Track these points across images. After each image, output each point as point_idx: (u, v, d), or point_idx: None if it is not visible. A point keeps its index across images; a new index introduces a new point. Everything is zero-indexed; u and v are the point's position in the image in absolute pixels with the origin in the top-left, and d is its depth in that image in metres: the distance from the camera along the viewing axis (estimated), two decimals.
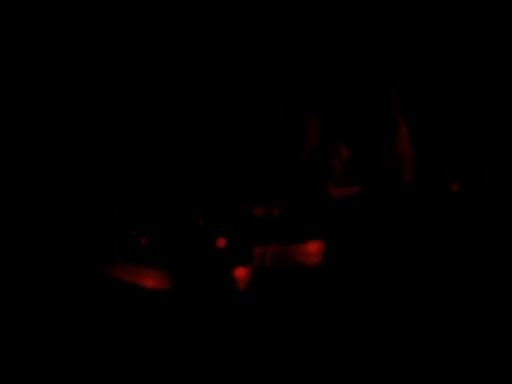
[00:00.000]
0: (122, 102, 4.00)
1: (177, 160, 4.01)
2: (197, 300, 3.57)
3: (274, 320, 3.48)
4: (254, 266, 3.64)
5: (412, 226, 3.66)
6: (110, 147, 3.98)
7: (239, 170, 3.94)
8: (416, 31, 3.96)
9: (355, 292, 3.52)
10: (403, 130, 3.84)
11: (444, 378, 3.14)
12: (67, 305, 3.52)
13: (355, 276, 3.57)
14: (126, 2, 3.98)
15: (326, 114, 3.89)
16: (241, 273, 3.62)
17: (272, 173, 3.91)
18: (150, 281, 3.61)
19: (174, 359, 3.36)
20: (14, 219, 3.75)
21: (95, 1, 3.97)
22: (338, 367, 3.28)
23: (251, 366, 3.32)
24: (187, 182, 3.99)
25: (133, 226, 3.83)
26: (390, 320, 3.40)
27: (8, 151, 3.87)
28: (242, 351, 3.38)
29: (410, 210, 3.72)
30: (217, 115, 4.05)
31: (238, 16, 4.00)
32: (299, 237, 3.70)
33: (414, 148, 3.86)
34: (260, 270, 3.64)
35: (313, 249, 3.65)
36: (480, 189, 3.77)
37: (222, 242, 3.73)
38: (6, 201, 3.79)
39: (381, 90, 3.87)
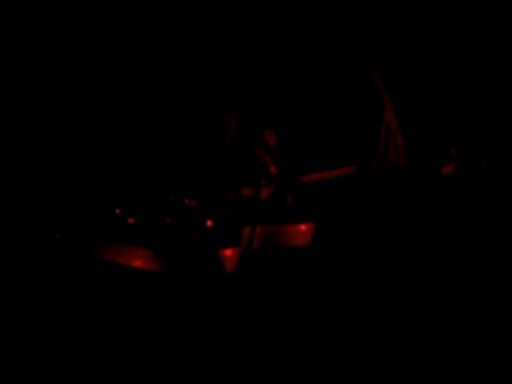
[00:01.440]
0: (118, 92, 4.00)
1: (165, 142, 4.00)
2: (185, 280, 3.55)
3: (263, 302, 3.47)
4: (242, 247, 3.63)
5: (401, 208, 3.65)
6: (100, 133, 3.98)
7: (226, 153, 3.93)
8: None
9: (344, 273, 3.51)
10: (390, 114, 3.84)
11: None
12: (59, 290, 3.51)
13: (344, 257, 3.56)
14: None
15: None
16: (229, 253, 3.60)
17: (259, 155, 3.89)
18: (138, 261, 3.59)
19: (165, 343, 3.36)
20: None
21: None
22: (327, 355, 3.28)
23: (240, 352, 3.32)
24: (175, 163, 3.97)
25: (120, 206, 3.81)
26: (379, 303, 3.40)
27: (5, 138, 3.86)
28: (231, 335, 3.38)
29: (400, 193, 3.72)
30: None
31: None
32: (288, 217, 3.69)
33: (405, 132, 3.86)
34: (248, 250, 3.63)
35: (302, 229, 3.64)
36: (474, 174, 3.76)
37: (209, 223, 3.71)
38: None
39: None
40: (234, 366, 3.30)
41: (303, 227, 3.64)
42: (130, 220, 3.77)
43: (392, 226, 3.61)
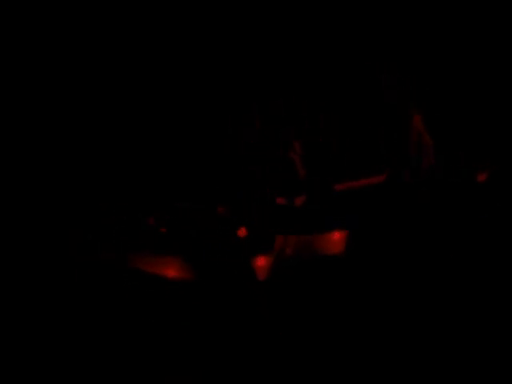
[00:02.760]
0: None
1: (197, 150, 4.02)
2: (218, 289, 3.55)
3: (292, 311, 3.45)
4: (275, 256, 3.62)
5: (433, 216, 3.63)
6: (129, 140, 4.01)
7: (261, 161, 3.94)
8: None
9: (375, 282, 3.49)
10: (417, 120, 3.83)
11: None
12: (87, 297, 3.54)
13: (376, 266, 3.53)
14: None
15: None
16: (261, 262, 3.59)
17: (294, 164, 3.90)
18: (171, 270, 3.61)
19: (195, 350, 3.35)
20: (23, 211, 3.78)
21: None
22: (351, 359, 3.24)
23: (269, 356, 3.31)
24: (208, 171, 3.99)
25: (152, 216, 3.83)
26: (409, 309, 3.37)
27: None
28: (262, 341, 3.36)
29: (432, 200, 3.69)
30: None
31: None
32: (321, 226, 3.68)
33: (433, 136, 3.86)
34: (281, 259, 3.62)
35: (335, 238, 3.62)
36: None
37: (242, 231, 3.71)
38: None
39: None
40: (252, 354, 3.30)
41: (336, 235, 3.63)
42: (163, 229, 3.79)
43: (422, 233, 3.58)
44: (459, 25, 3.98)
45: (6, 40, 3.90)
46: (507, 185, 3.69)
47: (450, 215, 3.60)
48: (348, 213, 3.72)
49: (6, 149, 3.84)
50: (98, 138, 3.95)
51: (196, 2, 4.02)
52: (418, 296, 3.36)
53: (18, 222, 3.75)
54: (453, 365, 3.06)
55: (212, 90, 4.02)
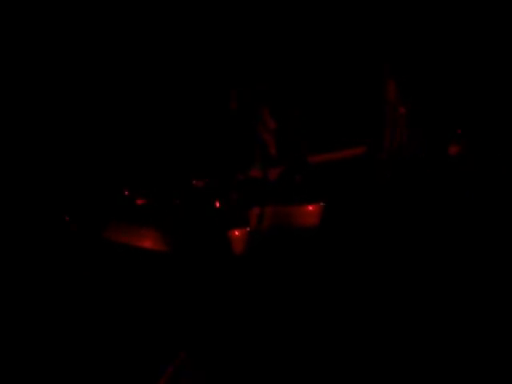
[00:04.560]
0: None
1: (173, 124, 4.00)
2: (194, 261, 3.57)
3: (268, 285, 3.48)
4: (251, 228, 3.64)
5: (408, 190, 3.66)
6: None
7: (236, 135, 3.93)
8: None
9: (353, 254, 3.52)
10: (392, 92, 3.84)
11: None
12: (68, 270, 3.52)
13: (352, 238, 3.57)
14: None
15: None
16: (237, 234, 3.61)
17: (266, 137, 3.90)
18: (148, 242, 3.61)
19: (173, 321, 3.37)
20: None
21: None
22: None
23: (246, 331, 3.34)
24: (182, 145, 3.97)
25: (129, 188, 3.82)
26: (386, 282, 3.41)
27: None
28: (237, 314, 3.40)
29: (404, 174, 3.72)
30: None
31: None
32: (296, 199, 3.70)
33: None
34: (257, 231, 3.64)
35: (310, 211, 3.65)
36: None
37: (217, 203, 3.72)
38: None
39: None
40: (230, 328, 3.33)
41: (311, 208, 3.65)
42: (139, 201, 3.78)
43: (398, 206, 3.61)
44: None
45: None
46: (481, 157, 3.74)
47: (424, 189, 3.65)
48: (324, 185, 3.75)
49: None
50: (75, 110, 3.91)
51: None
52: (393, 270, 3.42)
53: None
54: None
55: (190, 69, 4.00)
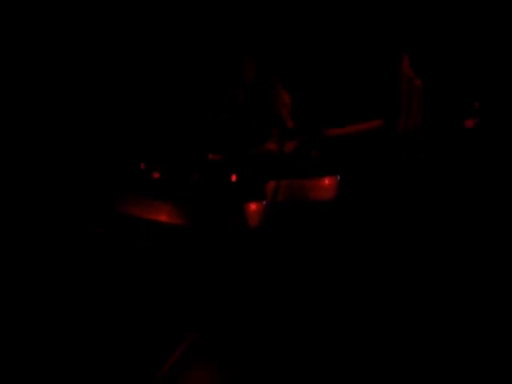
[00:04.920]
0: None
1: (186, 98, 4.00)
2: (210, 235, 3.57)
3: (282, 259, 3.48)
4: (267, 201, 3.64)
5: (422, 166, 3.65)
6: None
7: (251, 109, 3.92)
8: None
9: (364, 231, 3.52)
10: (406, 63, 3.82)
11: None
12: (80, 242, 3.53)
13: (366, 214, 3.56)
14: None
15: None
16: (253, 207, 3.62)
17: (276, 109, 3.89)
18: (163, 215, 3.61)
19: (187, 300, 3.38)
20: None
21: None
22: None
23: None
24: (196, 119, 3.97)
25: (145, 161, 3.82)
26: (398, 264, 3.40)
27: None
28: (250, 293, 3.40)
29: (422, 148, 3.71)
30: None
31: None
32: (312, 172, 3.70)
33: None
34: (273, 204, 3.64)
35: (326, 184, 3.64)
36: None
37: (234, 177, 3.72)
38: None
39: None
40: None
41: (327, 181, 3.65)
42: (155, 174, 3.78)
43: (414, 180, 3.60)
44: None
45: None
46: (497, 131, 3.72)
47: (439, 167, 3.63)
48: (339, 159, 3.74)
49: None
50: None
51: None
52: (407, 250, 3.41)
53: None
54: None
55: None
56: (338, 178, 3.64)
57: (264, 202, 3.63)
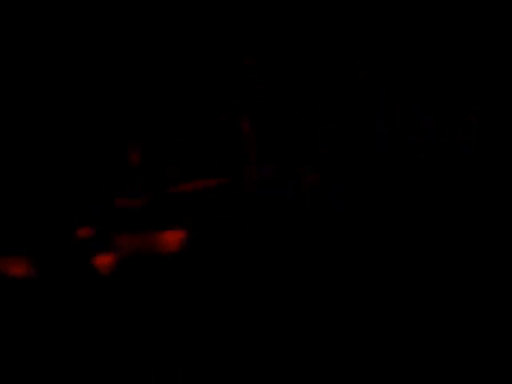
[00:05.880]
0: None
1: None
2: (61, 287, 3.74)
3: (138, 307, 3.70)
4: (116, 254, 3.85)
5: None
6: None
7: (102, 164, 4.06)
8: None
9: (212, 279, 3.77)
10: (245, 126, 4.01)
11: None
12: None
13: (216, 265, 3.81)
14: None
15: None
16: (103, 260, 3.82)
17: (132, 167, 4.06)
18: (18, 269, 3.75)
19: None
20: None
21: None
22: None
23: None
24: (49, 171, 4.04)
25: None
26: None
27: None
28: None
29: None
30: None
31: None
32: (157, 226, 3.92)
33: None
34: (122, 257, 3.85)
35: (170, 238, 3.89)
36: None
37: (84, 232, 3.91)
38: None
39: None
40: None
41: (171, 235, 3.89)
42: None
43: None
44: None
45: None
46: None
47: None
48: (185, 213, 3.98)
49: None
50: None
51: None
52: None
53: None
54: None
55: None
56: (184, 232, 3.88)
57: (113, 255, 3.84)
